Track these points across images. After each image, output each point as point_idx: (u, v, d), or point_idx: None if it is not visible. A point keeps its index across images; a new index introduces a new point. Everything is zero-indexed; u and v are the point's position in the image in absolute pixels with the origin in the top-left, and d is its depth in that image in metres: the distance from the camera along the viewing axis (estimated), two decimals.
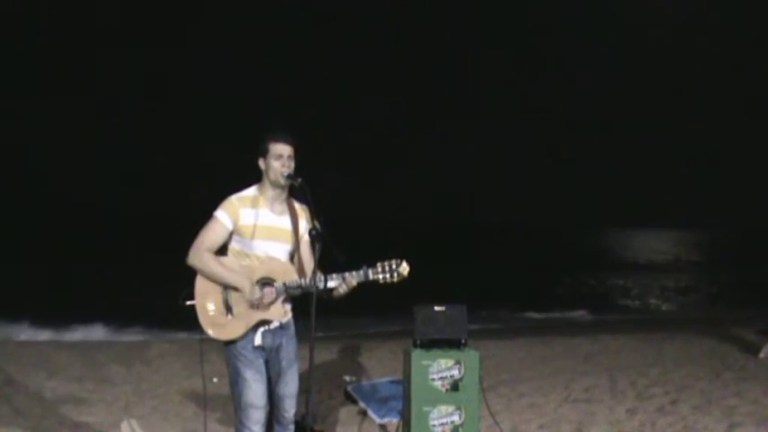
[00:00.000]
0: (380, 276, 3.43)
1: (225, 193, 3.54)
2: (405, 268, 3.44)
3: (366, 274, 3.43)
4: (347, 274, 3.42)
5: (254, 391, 3.44)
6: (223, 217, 3.46)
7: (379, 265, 3.44)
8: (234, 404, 3.52)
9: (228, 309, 3.42)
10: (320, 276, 3.42)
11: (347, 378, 6.70)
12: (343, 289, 3.45)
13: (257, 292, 3.39)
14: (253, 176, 3.59)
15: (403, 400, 4.86)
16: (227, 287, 3.43)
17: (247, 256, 3.48)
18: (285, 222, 3.56)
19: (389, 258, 3.44)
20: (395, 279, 3.43)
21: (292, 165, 3.49)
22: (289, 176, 3.46)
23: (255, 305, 3.41)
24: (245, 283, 3.40)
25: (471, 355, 4.69)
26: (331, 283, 3.43)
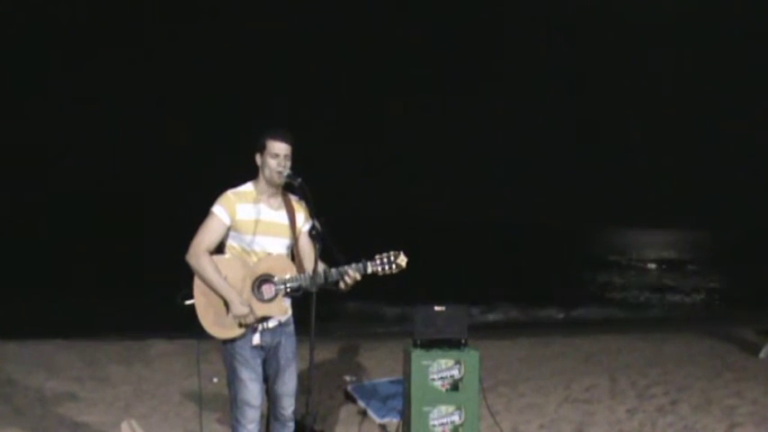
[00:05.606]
0: (379, 269, 3.45)
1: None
2: (403, 260, 3.46)
3: (365, 267, 3.44)
4: (346, 268, 3.43)
5: (250, 391, 3.45)
6: (220, 212, 3.45)
7: (377, 257, 3.46)
8: (230, 402, 3.53)
9: (229, 308, 3.42)
10: (320, 273, 3.43)
11: (347, 378, 6.70)
12: (345, 283, 3.46)
13: (244, 309, 3.39)
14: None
15: (403, 400, 4.86)
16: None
17: (247, 254, 3.48)
18: (282, 217, 3.57)
19: (388, 251, 3.46)
20: (393, 270, 3.45)
21: (288, 164, 3.49)
22: (289, 176, 3.46)
23: (242, 321, 3.41)
24: (234, 298, 3.39)
25: (471, 355, 4.69)
26: (331, 279, 3.44)
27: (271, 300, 3.46)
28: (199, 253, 3.41)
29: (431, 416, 4.62)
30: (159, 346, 8.30)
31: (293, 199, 3.63)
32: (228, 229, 3.48)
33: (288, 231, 3.56)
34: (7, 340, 7.98)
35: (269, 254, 3.49)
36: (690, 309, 20.80)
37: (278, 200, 3.58)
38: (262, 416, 3.57)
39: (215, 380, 6.27)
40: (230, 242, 3.50)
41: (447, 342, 4.72)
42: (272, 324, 3.52)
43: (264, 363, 3.55)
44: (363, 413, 5.61)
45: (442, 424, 4.63)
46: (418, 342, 4.71)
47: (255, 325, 3.46)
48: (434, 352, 4.67)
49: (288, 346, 3.58)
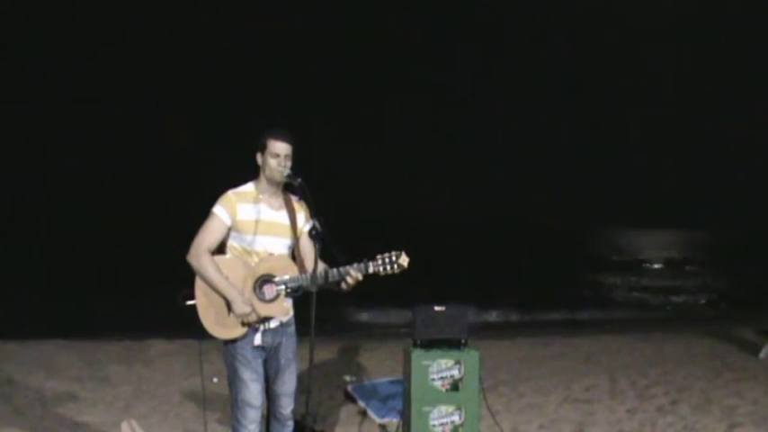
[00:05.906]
0: (381, 268, 3.45)
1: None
2: (404, 260, 3.46)
3: (366, 267, 3.45)
4: (348, 268, 3.44)
5: (251, 391, 3.46)
6: (221, 212, 3.47)
7: (378, 257, 3.46)
8: (231, 402, 3.54)
9: (230, 308, 3.42)
10: (321, 272, 3.43)
11: (347, 378, 6.70)
12: (346, 283, 3.46)
13: (246, 308, 3.39)
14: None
15: (403, 400, 4.86)
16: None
17: (248, 253, 3.48)
18: (283, 217, 3.57)
19: (388, 251, 3.46)
20: (395, 270, 3.46)
21: (289, 164, 3.50)
22: (289, 176, 3.47)
23: (244, 320, 3.41)
24: (235, 297, 3.40)
25: (471, 355, 4.69)
26: (332, 279, 3.44)
27: (272, 300, 3.46)
28: (200, 253, 3.41)
29: (431, 416, 4.63)
30: (159, 346, 8.30)
31: (294, 199, 3.63)
32: (229, 229, 3.49)
33: (289, 231, 3.57)
34: (7, 340, 7.97)
35: (270, 254, 3.49)
36: (690, 309, 20.78)
37: (279, 200, 3.59)
38: (262, 416, 3.58)
39: (215, 380, 6.28)
40: (231, 242, 3.51)
41: (447, 342, 4.72)
42: (273, 324, 3.52)
43: (265, 363, 3.55)
44: (363, 413, 5.61)
45: (442, 424, 4.64)
46: (418, 342, 4.71)
47: (257, 325, 3.47)
48: (434, 352, 4.67)
49: (288, 346, 3.59)
